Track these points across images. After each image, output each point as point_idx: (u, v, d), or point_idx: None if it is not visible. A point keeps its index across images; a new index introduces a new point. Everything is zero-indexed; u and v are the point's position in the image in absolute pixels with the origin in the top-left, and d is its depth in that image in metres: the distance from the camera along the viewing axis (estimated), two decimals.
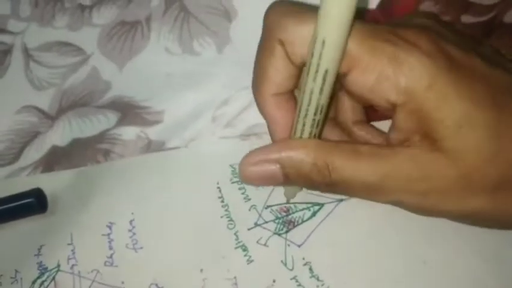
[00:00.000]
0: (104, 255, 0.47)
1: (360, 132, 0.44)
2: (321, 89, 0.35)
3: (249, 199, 0.46)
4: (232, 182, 0.47)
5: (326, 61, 0.34)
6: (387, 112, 0.38)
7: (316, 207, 0.45)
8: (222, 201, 0.47)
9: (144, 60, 0.55)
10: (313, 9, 0.35)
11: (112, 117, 0.53)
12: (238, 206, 0.46)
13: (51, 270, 0.47)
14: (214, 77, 0.53)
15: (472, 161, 0.35)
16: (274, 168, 0.39)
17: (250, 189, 0.47)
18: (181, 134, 0.51)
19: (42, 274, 0.47)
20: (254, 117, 0.49)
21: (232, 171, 0.48)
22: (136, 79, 0.54)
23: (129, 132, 0.52)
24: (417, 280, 0.41)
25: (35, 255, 0.48)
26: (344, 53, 0.35)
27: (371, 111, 0.45)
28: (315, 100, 0.36)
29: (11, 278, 0.47)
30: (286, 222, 0.45)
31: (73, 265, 0.47)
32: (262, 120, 0.47)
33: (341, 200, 0.45)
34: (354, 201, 0.44)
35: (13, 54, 0.58)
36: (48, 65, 0.57)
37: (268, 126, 0.42)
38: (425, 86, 0.34)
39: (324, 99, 0.36)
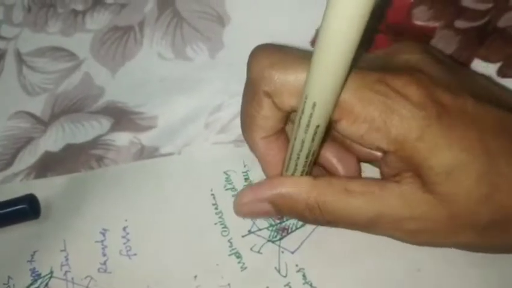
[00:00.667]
0: (98, 261, 0.46)
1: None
2: (312, 139, 0.36)
3: None
4: (226, 189, 0.47)
5: (317, 119, 0.34)
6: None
7: None
8: (216, 208, 0.46)
9: (137, 65, 0.55)
10: (297, 53, 0.36)
11: (105, 122, 0.53)
12: (232, 213, 0.45)
13: (44, 276, 0.47)
14: (207, 82, 0.53)
15: (462, 204, 0.35)
16: (266, 206, 0.40)
17: None
18: (174, 139, 0.51)
19: (35, 281, 0.47)
20: None
21: (226, 178, 0.47)
22: (129, 84, 0.54)
23: (122, 138, 0.52)
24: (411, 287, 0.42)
25: (28, 261, 0.47)
26: (335, 108, 0.35)
27: None
28: (306, 147, 0.37)
29: (4, 284, 0.47)
30: (280, 230, 0.45)
31: (66, 272, 0.47)
32: None
33: None
34: None
35: (6, 59, 0.58)
36: (41, 71, 0.57)
37: (262, 167, 0.43)
38: (415, 137, 0.35)
39: (316, 146, 0.37)
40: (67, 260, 0.47)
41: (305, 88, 0.33)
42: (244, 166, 0.48)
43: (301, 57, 0.37)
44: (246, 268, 0.44)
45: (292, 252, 0.44)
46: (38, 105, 0.55)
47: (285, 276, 0.43)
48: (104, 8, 0.57)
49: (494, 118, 0.36)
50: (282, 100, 0.37)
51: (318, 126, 0.35)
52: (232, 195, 0.47)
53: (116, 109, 0.53)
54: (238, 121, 0.49)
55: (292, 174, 0.40)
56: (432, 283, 0.41)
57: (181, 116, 0.52)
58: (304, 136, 0.36)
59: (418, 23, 0.49)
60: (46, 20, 0.58)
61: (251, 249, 0.45)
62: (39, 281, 0.47)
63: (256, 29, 0.51)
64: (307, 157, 0.38)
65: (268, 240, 0.45)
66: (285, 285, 0.43)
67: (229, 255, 0.45)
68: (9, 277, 0.47)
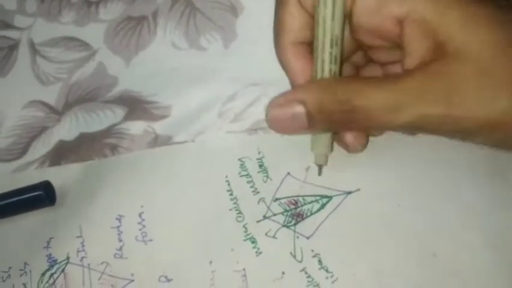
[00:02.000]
0: (114, 247, 0.47)
1: None
2: (333, 15, 0.37)
3: (258, 192, 0.46)
4: (241, 176, 0.47)
5: None
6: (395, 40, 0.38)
7: (325, 200, 0.45)
8: (231, 195, 0.47)
9: (151, 55, 0.55)
10: None
11: (119, 112, 0.53)
12: (247, 199, 0.46)
13: (60, 262, 0.47)
14: (220, 72, 0.53)
15: (481, 53, 0.35)
16: (297, 107, 0.39)
17: (259, 183, 0.47)
18: (188, 128, 0.51)
19: (51, 266, 0.47)
20: (261, 111, 0.49)
21: (241, 165, 0.48)
22: (143, 74, 0.55)
23: (136, 127, 0.52)
24: (427, 272, 0.42)
25: (44, 247, 0.48)
26: None
27: None
28: (329, 30, 0.38)
29: (20, 270, 0.47)
30: (295, 215, 0.45)
31: (82, 257, 0.47)
32: None
33: (349, 193, 0.45)
34: (362, 194, 0.45)
35: (20, 49, 0.58)
36: (54, 60, 0.57)
37: (289, 77, 0.43)
38: None
39: (337, 28, 0.38)
40: (83, 246, 0.47)
41: None
42: (259, 153, 0.48)
43: None
44: (261, 253, 0.44)
45: (308, 238, 0.44)
46: (52, 95, 0.56)
47: (300, 261, 0.44)
48: None
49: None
50: None
51: None
52: (247, 182, 0.47)
53: (130, 98, 0.54)
54: (251, 110, 0.50)
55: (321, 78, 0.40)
56: (448, 268, 0.41)
57: (195, 105, 0.52)
58: (324, 12, 0.37)
59: None
60: (60, 10, 0.59)
61: (266, 234, 0.45)
62: (55, 267, 0.47)
63: (270, 19, 0.52)
64: (331, 46, 0.38)
65: (283, 226, 0.45)
66: (300, 270, 0.43)
67: (244, 240, 0.45)
68: (25, 263, 0.48)
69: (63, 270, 0.47)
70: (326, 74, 0.39)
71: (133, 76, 0.55)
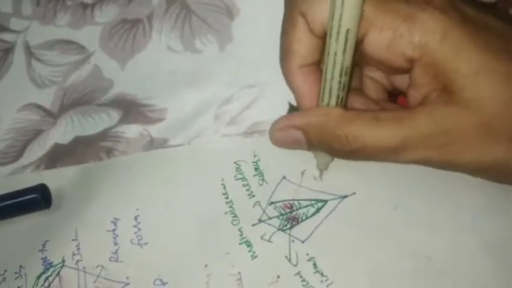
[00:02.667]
0: (109, 250, 0.47)
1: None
2: (344, 50, 0.37)
3: (253, 196, 0.46)
4: (237, 179, 0.47)
5: (346, 21, 0.36)
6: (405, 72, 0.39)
7: (320, 204, 0.45)
8: (226, 198, 0.47)
9: (146, 58, 0.55)
10: None
11: (115, 115, 0.53)
12: (243, 202, 0.46)
13: (56, 265, 0.47)
14: (216, 75, 0.53)
15: (490, 108, 0.35)
16: (298, 134, 0.41)
17: (255, 186, 0.47)
18: (183, 131, 0.51)
19: (47, 269, 0.47)
20: (257, 114, 0.50)
21: (237, 168, 0.48)
22: (138, 77, 0.55)
23: (132, 130, 0.52)
24: (423, 276, 0.42)
25: (40, 250, 0.48)
26: (362, 12, 0.36)
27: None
28: (339, 62, 0.38)
29: (15, 273, 0.47)
30: (290, 219, 0.45)
31: (77, 260, 0.47)
32: (265, 118, 0.48)
33: (345, 197, 0.45)
34: (358, 197, 0.45)
35: (15, 52, 0.58)
36: (50, 63, 0.57)
37: (296, 99, 0.43)
38: (438, 39, 0.35)
39: (347, 60, 0.38)
40: (78, 249, 0.47)
41: None
42: (254, 156, 0.48)
43: None
44: (256, 257, 0.44)
45: (303, 241, 0.44)
46: (47, 98, 0.56)
47: (295, 265, 0.44)
48: (113, 1, 0.57)
49: None
50: (315, 19, 0.38)
51: (348, 31, 0.36)
52: (243, 185, 0.47)
53: (125, 101, 0.54)
54: (247, 113, 0.50)
55: (328, 104, 0.41)
56: (444, 271, 0.42)
57: (191, 108, 0.52)
58: (336, 47, 0.37)
59: None
60: (55, 13, 0.59)
61: (261, 237, 0.45)
62: (51, 270, 0.47)
63: (266, 22, 0.52)
64: (340, 75, 0.39)
65: (279, 229, 0.45)
66: (295, 274, 0.43)
67: (240, 243, 0.45)
68: (21, 266, 0.48)
69: (58, 274, 0.47)
70: (333, 100, 0.40)
71: (128, 79, 0.55)
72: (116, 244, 0.47)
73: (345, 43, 0.37)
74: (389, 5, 0.37)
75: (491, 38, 0.36)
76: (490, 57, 0.35)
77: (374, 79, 0.45)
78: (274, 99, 0.49)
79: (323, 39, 0.39)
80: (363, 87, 0.45)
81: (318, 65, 0.42)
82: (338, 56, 0.38)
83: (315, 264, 0.43)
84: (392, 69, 0.40)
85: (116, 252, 0.47)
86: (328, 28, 0.37)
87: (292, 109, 0.47)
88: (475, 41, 0.35)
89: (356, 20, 0.36)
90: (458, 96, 0.36)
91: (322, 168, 0.45)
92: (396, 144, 0.37)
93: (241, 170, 0.48)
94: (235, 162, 0.48)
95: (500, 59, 0.35)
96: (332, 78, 0.39)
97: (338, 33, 0.36)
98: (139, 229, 0.47)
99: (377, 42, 0.37)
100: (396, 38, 0.36)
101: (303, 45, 0.40)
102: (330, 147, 0.40)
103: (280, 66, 0.43)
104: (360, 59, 0.41)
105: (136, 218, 0.47)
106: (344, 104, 0.41)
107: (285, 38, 0.41)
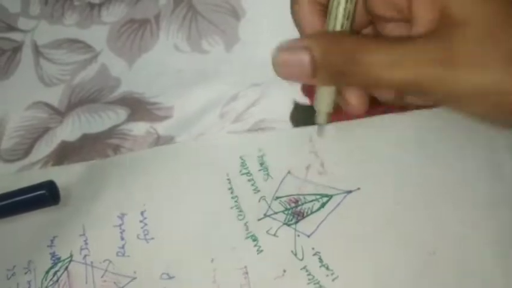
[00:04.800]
0: (116, 245, 0.47)
1: None
2: None
3: (258, 191, 0.47)
4: (242, 174, 0.48)
5: None
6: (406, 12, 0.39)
7: (325, 199, 0.45)
8: (232, 193, 0.47)
9: (153, 57, 0.56)
10: None
11: (122, 113, 0.54)
12: (248, 197, 0.47)
13: (64, 260, 0.48)
14: (222, 74, 0.54)
15: (485, 27, 0.35)
16: (302, 54, 0.39)
17: (260, 181, 0.47)
18: (189, 129, 0.52)
19: (55, 264, 0.47)
20: (262, 112, 0.50)
21: (242, 163, 0.48)
22: (145, 76, 0.55)
23: (139, 128, 0.53)
24: (426, 270, 0.42)
25: (48, 246, 0.48)
26: None
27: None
28: None
29: (25, 268, 0.48)
30: (296, 213, 0.46)
31: (85, 255, 0.47)
32: (270, 115, 0.49)
33: (350, 192, 0.45)
34: (363, 193, 0.45)
35: (23, 51, 0.59)
36: (58, 62, 0.58)
37: (300, 32, 0.43)
38: None
39: None
40: (86, 244, 0.48)
41: None
42: (259, 151, 0.48)
43: None
44: (262, 251, 0.45)
45: (308, 236, 0.45)
46: (55, 96, 0.56)
47: (301, 260, 0.44)
48: (120, 0, 0.58)
49: None
50: None
51: None
52: (248, 180, 0.47)
53: (132, 100, 0.54)
54: (252, 110, 0.50)
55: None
56: (448, 265, 0.42)
57: (197, 106, 0.53)
58: None
59: None
60: (63, 13, 0.59)
61: (267, 232, 0.45)
62: (59, 265, 0.47)
63: (271, 22, 0.52)
64: (346, 2, 0.39)
65: (284, 224, 0.45)
66: (301, 268, 0.44)
67: (246, 238, 0.46)
68: (29, 261, 0.48)
69: (66, 268, 0.47)
70: (338, 27, 0.40)
71: (135, 78, 0.55)
72: (123, 239, 0.47)
73: None
74: None
75: None
76: None
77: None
78: (279, 97, 0.50)
79: None
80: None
81: (325, 7, 0.41)
82: None
83: (320, 259, 0.44)
84: (394, 8, 0.40)
85: (123, 247, 0.47)
86: None
87: (297, 107, 0.48)
88: None
89: None
90: (455, 17, 0.36)
91: (322, 122, 0.43)
92: (393, 57, 0.37)
93: (246, 165, 0.48)
94: (240, 157, 0.48)
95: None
96: (339, 4, 0.39)
97: None
98: (146, 224, 0.47)
99: None
100: None
101: None
102: (334, 61, 0.38)
103: (290, 5, 0.43)
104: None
105: (142, 213, 0.48)
106: None
107: None
